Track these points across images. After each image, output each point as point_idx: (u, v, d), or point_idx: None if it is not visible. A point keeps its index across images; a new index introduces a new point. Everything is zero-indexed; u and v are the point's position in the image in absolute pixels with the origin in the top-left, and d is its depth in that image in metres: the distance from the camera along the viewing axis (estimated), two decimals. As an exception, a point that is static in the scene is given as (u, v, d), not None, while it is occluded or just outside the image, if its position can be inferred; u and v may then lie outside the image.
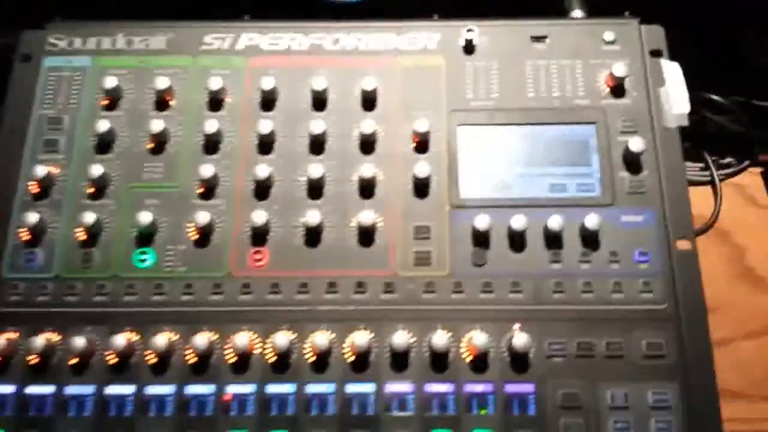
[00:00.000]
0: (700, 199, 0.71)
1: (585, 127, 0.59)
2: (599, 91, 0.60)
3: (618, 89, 0.60)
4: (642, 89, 0.60)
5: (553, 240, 0.56)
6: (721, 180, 0.72)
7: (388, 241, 0.56)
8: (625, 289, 0.55)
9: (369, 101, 0.60)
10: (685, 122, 0.58)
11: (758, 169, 0.73)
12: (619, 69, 0.59)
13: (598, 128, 0.59)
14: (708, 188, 0.73)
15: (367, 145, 0.59)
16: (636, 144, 0.57)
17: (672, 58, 0.61)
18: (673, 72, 0.60)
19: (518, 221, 0.55)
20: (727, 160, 0.74)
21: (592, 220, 0.55)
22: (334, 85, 0.61)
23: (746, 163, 0.73)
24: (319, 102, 0.61)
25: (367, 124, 0.58)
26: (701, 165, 0.73)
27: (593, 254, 0.55)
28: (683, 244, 0.56)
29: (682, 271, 0.55)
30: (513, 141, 0.59)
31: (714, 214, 0.70)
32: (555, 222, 0.55)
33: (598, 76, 0.61)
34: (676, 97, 0.59)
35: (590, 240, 0.55)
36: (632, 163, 0.57)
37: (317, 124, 0.59)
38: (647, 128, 0.59)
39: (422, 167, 0.57)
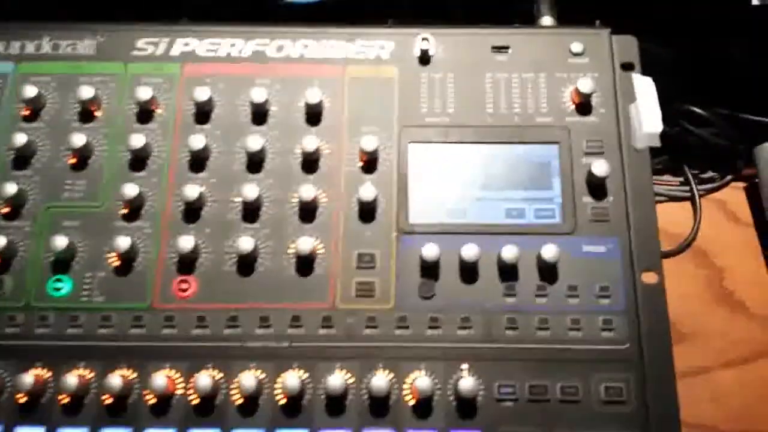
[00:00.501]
0: (679, 216, 0.69)
1: (547, 147, 0.56)
2: (564, 108, 0.57)
3: (584, 106, 0.57)
4: (610, 106, 0.57)
5: (508, 271, 0.52)
6: (701, 195, 0.69)
7: (328, 271, 0.53)
8: (584, 326, 0.51)
9: (313, 115, 0.57)
10: (657, 143, 0.56)
11: (741, 184, 0.71)
12: (586, 84, 0.56)
13: (561, 149, 0.56)
14: (687, 204, 0.70)
15: (310, 163, 0.56)
16: (600, 167, 0.54)
17: (650, 67, 0.58)
18: (645, 87, 0.57)
19: (470, 250, 0.52)
20: (709, 174, 0.71)
21: (549, 251, 0.52)
22: (276, 97, 0.58)
23: (728, 178, 0.70)
24: (259, 115, 0.57)
25: (310, 140, 0.55)
26: (680, 179, 0.70)
27: (550, 288, 0.52)
28: (649, 277, 0.52)
29: (647, 307, 0.52)
30: (468, 161, 0.56)
31: (693, 232, 0.67)
32: (510, 252, 0.52)
33: (563, 92, 0.58)
34: (647, 115, 0.56)
35: (548, 272, 0.52)
36: (596, 187, 0.54)
37: (255, 140, 0.55)
38: (614, 149, 0.56)
39: (368, 189, 0.53)
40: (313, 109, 0.56)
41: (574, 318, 0.52)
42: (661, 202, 0.68)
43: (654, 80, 0.56)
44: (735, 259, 0.67)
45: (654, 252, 0.53)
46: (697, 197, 0.69)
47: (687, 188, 0.70)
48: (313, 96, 0.56)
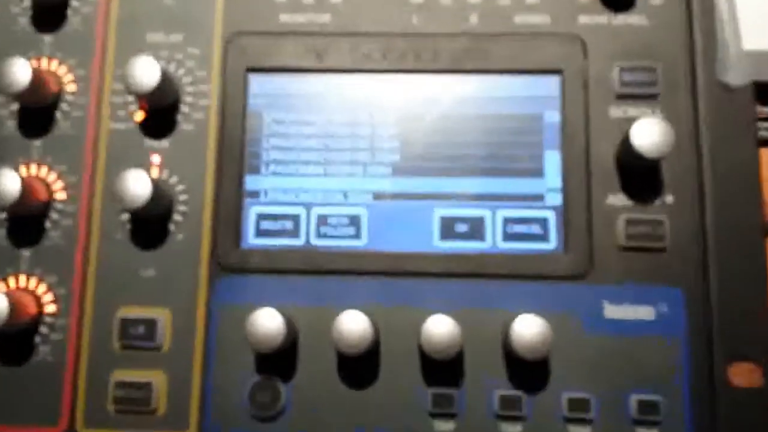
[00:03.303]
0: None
1: (538, 82, 0.34)
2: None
3: (618, -7, 0.35)
4: (673, -4, 0.36)
5: (439, 364, 0.31)
6: None
7: (62, 354, 0.32)
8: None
9: (43, 12, 0.35)
10: (770, 74, 0.34)
11: None
12: (623, -56, 0.34)
13: (567, 85, 0.34)
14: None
15: (30, 115, 0.34)
16: (649, 131, 0.31)
17: None
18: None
19: (355, 322, 0.30)
20: None
21: (528, 326, 0.30)
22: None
23: None
24: None
25: (22, 67, 0.33)
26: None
27: (531, 400, 0.31)
28: (742, 374, 0.31)
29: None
30: (369, 113, 0.34)
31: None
32: (441, 326, 0.30)
33: (573, -38, 0.36)
34: (752, 12, 0.34)
35: (525, 367, 0.31)
36: (640, 174, 0.33)
37: None
38: (681, 89, 0.34)
39: (143, 178, 0.31)
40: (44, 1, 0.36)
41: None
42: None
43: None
44: None
45: (755, 320, 0.31)
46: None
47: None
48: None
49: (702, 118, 0.33)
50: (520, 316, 0.30)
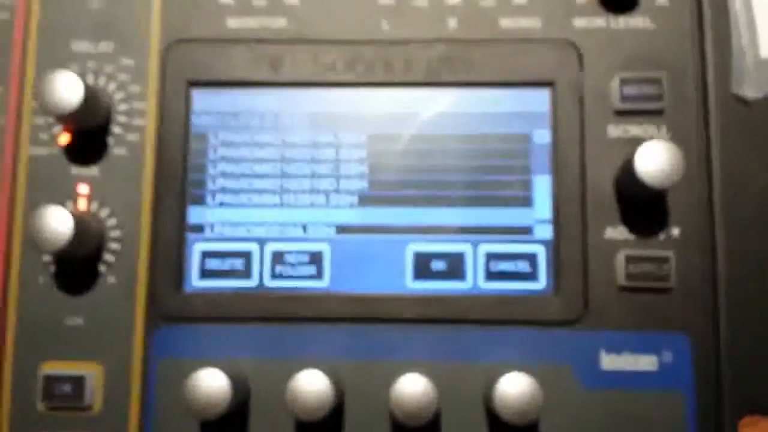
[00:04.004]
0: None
1: (525, 94, 0.32)
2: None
3: (619, -7, 0.32)
4: (681, -4, 0.34)
5: (412, 430, 0.28)
6: None
7: None
8: None
9: None
10: (792, 85, 0.32)
11: None
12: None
13: (560, 99, 0.31)
14: None
15: None
16: (655, 156, 0.28)
17: None
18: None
19: (309, 384, 0.27)
20: None
21: (514, 387, 0.27)
22: None
23: None
24: None
25: None
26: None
27: None
28: (755, 428, 0.30)
29: None
30: (331, 132, 0.32)
31: None
32: (414, 384, 0.27)
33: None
34: None
35: (511, 430, 0.28)
36: (643, 204, 0.31)
37: None
38: (689, 102, 0.31)
39: (57, 216, 0.28)
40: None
41: None
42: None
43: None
44: None
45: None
46: None
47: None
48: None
49: (714, 137, 0.31)
50: (504, 376, 0.26)
